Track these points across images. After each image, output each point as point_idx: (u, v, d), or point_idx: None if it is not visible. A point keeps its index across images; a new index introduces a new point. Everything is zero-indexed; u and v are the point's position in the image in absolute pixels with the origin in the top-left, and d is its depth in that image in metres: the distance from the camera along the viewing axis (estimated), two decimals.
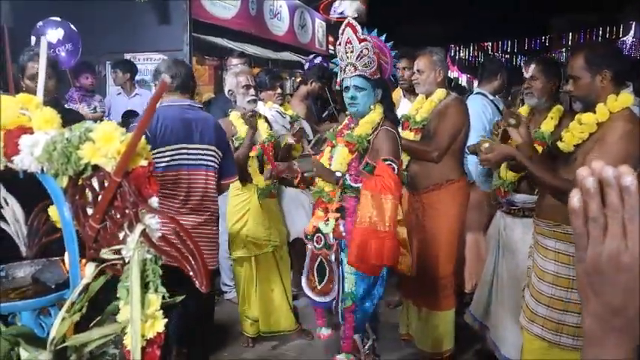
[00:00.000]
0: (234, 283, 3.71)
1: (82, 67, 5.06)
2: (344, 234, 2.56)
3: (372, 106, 2.57)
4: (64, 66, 4.33)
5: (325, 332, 2.83)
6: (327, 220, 2.61)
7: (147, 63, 6.52)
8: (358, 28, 2.48)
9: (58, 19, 4.51)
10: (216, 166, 2.78)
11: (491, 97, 3.76)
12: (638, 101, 3.01)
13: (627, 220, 0.57)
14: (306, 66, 6.47)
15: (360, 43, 2.46)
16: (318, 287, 2.69)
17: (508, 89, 4.83)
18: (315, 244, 2.68)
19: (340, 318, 2.66)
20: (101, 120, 4.61)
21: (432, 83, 3.12)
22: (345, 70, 2.53)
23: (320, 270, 2.70)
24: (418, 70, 3.14)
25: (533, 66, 2.93)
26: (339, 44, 2.53)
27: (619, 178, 0.57)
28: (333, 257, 2.64)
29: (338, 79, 2.66)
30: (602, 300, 0.60)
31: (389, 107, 2.63)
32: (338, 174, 2.55)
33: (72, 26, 4.12)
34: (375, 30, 2.68)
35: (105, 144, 0.95)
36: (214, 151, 2.76)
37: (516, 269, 2.82)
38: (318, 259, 2.70)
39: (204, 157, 2.72)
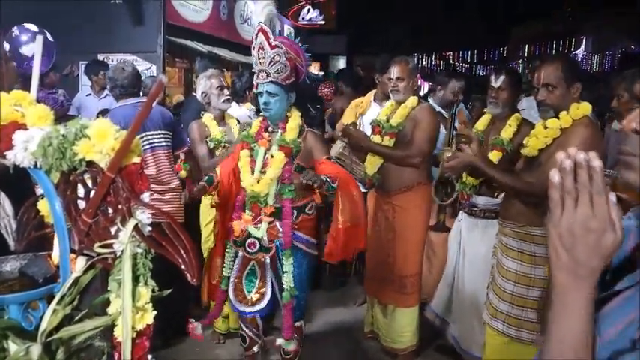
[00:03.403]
0: None
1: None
2: (281, 235, 2.60)
3: (286, 110, 2.63)
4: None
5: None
6: (259, 223, 2.60)
7: (114, 65, 6.46)
8: (270, 34, 2.48)
9: (35, 28, 4.39)
10: (170, 143, 3.35)
11: (438, 109, 3.84)
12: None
13: (594, 194, 0.74)
14: None
15: (271, 49, 2.47)
16: (248, 297, 2.66)
17: (467, 98, 4.95)
18: (247, 249, 2.65)
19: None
20: (67, 114, 4.56)
21: (409, 90, 3.21)
22: (258, 75, 2.55)
23: (249, 276, 2.68)
24: (398, 78, 3.19)
25: (502, 77, 2.95)
26: (253, 49, 2.53)
27: (588, 161, 0.74)
28: (268, 259, 2.64)
29: (254, 83, 2.66)
30: (572, 255, 0.75)
31: (304, 109, 2.71)
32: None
33: (49, 36, 4.05)
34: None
35: (100, 141, 0.98)
36: (166, 133, 3.31)
37: (476, 268, 2.94)
38: (250, 265, 2.68)
39: (160, 139, 3.25)
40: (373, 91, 4.29)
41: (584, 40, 21.41)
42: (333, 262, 2.80)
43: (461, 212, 3.16)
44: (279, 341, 2.68)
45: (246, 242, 2.64)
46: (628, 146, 0.83)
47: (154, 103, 3.26)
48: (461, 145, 2.52)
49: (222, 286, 2.72)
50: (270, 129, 2.67)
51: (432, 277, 3.24)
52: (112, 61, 6.21)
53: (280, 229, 2.59)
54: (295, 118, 2.64)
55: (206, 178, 2.65)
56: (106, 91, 5.24)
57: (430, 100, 3.98)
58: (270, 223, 2.59)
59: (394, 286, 3.21)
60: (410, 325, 3.25)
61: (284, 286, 2.60)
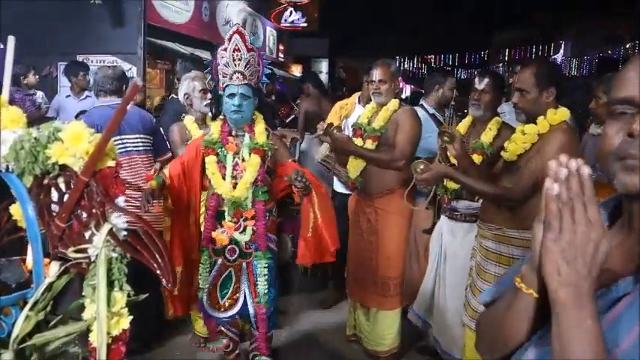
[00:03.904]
0: None
1: (20, 69, 4.91)
2: (257, 238, 2.63)
3: (253, 114, 2.65)
4: None
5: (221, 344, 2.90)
6: (243, 228, 2.60)
7: (100, 65, 6.40)
8: (247, 36, 2.50)
9: None
10: (149, 148, 3.30)
11: (431, 111, 3.80)
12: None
13: (587, 202, 0.74)
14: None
15: (248, 52, 2.49)
16: (221, 302, 2.66)
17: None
18: (227, 256, 2.63)
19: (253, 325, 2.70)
20: (45, 116, 4.50)
21: (391, 93, 3.22)
22: (231, 77, 2.52)
23: (224, 283, 2.67)
24: (380, 80, 3.19)
25: (486, 80, 2.99)
26: (225, 50, 2.50)
27: (579, 169, 0.74)
28: (245, 264, 2.65)
29: (220, 84, 2.58)
30: (574, 268, 0.74)
31: (263, 113, 2.75)
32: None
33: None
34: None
35: (73, 144, 0.97)
36: (145, 137, 3.28)
37: (457, 270, 2.96)
38: (227, 272, 2.66)
39: (137, 143, 3.22)
40: (357, 94, 4.29)
41: (563, 45, 21.78)
42: (307, 264, 2.81)
43: (442, 216, 3.19)
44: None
45: (226, 250, 2.62)
46: (633, 149, 0.79)
47: (133, 106, 3.29)
48: (445, 145, 2.54)
49: (199, 296, 2.68)
50: (234, 133, 2.64)
51: (421, 278, 3.25)
52: (92, 62, 6.16)
53: (256, 233, 2.61)
54: (260, 121, 2.67)
55: (154, 178, 2.52)
56: (86, 93, 5.19)
57: (424, 103, 3.88)
58: (253, 226, 2.59)
59: (377, 289, 3.21)
60: (392, 327, 3.27)
61: (258, 290, 2.62)
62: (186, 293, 2.72)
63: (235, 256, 2.63)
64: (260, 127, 2.64)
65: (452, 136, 2.54)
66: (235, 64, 2.50)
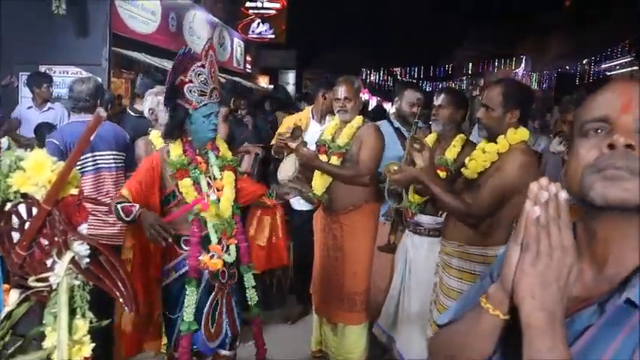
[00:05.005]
0: None
1: None
2: (244, 253, 2.60)
3: None
4: None
5: None
6: (226, 248, 2.52)
7: (63, 76, 6.26)
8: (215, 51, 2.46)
9: None
10: (121, 165, 3.30)
11: (397, 125, 3.76)
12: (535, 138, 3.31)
13: (562, 227, 0.75)
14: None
15: (216, 68, 2.45)
16: (212, 330, 2.50)
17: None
18: (221, 279, 2.50)
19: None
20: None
21: (356, 110, 3.27)
22: (210, 95, 2.39)
23: (214, 309, 2.51)
24: (346, 98, 3.22)
25: (442, 95, 3.12)
26: (202, 66, 2.37)
27: (557, 194, 0.76)
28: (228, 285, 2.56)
29: (195, 103, 2.38)
30: (549, 292, 0.75)
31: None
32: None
33: None
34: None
35: (36, 173, 0.97)
36: (117, 154, 3.28)
37: (421, 284, 3.00)
38: (217, 296, 2.52)
39: (108, 160, 3.22)
40: (309, 108, 4.30)
41: (524, 59, 22.45)
42: (257, 271, 2.76)
43: (406, 230, 3.24)
44: None
45: (219, 273, 2.48)
46: (616, 160, 0.80)
47: (108, 123, 3.26)
48: (414, 153, 2.58)
49: (184, 331, 2.42)
50: (197, 151, 2.52)
51: (381, 295, 3.28)
52: (55, 72, 6.03)
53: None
54: (219, 137, 2.65)
55: (117, 204, 2.34)
56: (49, 105, 5.08)
57: (391, 116, 3.86)
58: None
59: (344, 304, 3.24)
60: (360, 342, 3.31)
61: (249, 302, 2.59)
62: (141, 330, 2.54)
63: (226, 278, 2.52)
64: (222, 143, 2.61)
65: (422, 144, 2.58)
66: (213, 81, 2.41)
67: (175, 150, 2.47)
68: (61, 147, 3.04)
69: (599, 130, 0.84)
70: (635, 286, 0.80)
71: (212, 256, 2.43)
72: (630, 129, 0.80)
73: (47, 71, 5.82)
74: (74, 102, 3.24)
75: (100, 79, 6.39)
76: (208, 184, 2.50)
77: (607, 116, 0.83)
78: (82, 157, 2.95)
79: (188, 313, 2.41)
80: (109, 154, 3.25)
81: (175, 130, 2.44)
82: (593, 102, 0.87)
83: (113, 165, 3.27)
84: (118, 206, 2.34)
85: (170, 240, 2.31)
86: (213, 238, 2.46)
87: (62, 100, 4.90)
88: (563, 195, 0.75)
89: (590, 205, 0.83)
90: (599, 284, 0.85)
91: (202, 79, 2.38)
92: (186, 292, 2.42)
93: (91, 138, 1.02)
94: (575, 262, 0.76)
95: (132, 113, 4.09)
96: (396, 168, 2.58)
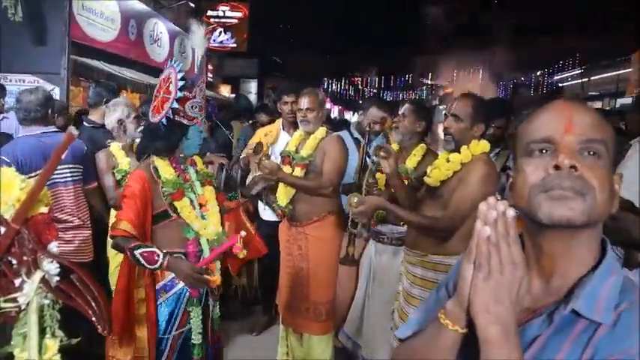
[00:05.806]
0: None
1: None
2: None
3: None
4: None
5: None
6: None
7: (19, 84, 6.05)
8: None
9: None
10: (78, 178, 3.19)
11: (356, 135, 3.85)
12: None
13: (512, 243, 0.79)
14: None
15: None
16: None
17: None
18: (216, 293, 2.47)
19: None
20: None
21: (318, 121, 3.30)
22: (202, 109, 2.37)
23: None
24: (308, 109, 3.25)
25: (406, 106, 3.24)
26: (203, 81, 2.40)
27: (505, 212, 0.79)
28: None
29: (198, 119, 2.34)
30: (503, 305, 0.79)
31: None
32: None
33: None
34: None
35: (4, 192, 0.96)
36: (74, 167, 3.16)
37: (385, 292, 3.06)
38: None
39: (64, 174, 3.09)
40: (280, 120, 4.34)
41: (481, 70, 23.09)
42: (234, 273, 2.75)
43: (370, 238, 3.29)
44: None
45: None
46: (561, 180, 0.84)
47: (63, 134, 3.13)
48: (380, 159, 2.62)
49: (197, 355, 2.34)
50: (182, 167, 2.44)
51: (345, 305, 3.31)
52: (10, 81, 5.84)
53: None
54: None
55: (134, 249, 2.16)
56: (3, 115, 4.91)
57: (352, 127, 3.93)
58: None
59: (309, 314, 3.26)
60: (326, 351, 3.32)
61: (214, 316, 2.47)
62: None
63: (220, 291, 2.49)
64: (198, 158, 2.54)
65: (388, 152, 2.63)
66: (198, 96, 2.35)
67: (166, 168, 2.35)
68: (12, 164, 2.91)
69: (544, 151, 0.88)
70: (579, 297, 0.86)
71: (210, 273, 2.35)
72: (573, 149, 0.86)
73: (2, 80, 5.61)
74: (24, 113, 3.09)
75: (58, 88, 6.30)
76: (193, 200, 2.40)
77: (551, 137, 0.88)
78: (33, 173, 2.73)
79: (195, 336, 2.34)
80: (64, 168, 3.08)
81: (174, 146, 2.34)
82: (537, 121, 0.92)
83: (70, 179, 3.11)
84: (137, 254, 2.14)
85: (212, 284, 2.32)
86: (206, 254, 2.36)
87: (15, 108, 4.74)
88: (511, 213, 0.80)
89: (537, 223, 0.88)
90: (547, 296, 0.92)
91: (201, 94, 2.38)
92: (191, 315, 2.33)
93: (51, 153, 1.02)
94: (525, 276, 0.80)
95: (86, 124, 3.92)
96: (356, 200, 2.56)
